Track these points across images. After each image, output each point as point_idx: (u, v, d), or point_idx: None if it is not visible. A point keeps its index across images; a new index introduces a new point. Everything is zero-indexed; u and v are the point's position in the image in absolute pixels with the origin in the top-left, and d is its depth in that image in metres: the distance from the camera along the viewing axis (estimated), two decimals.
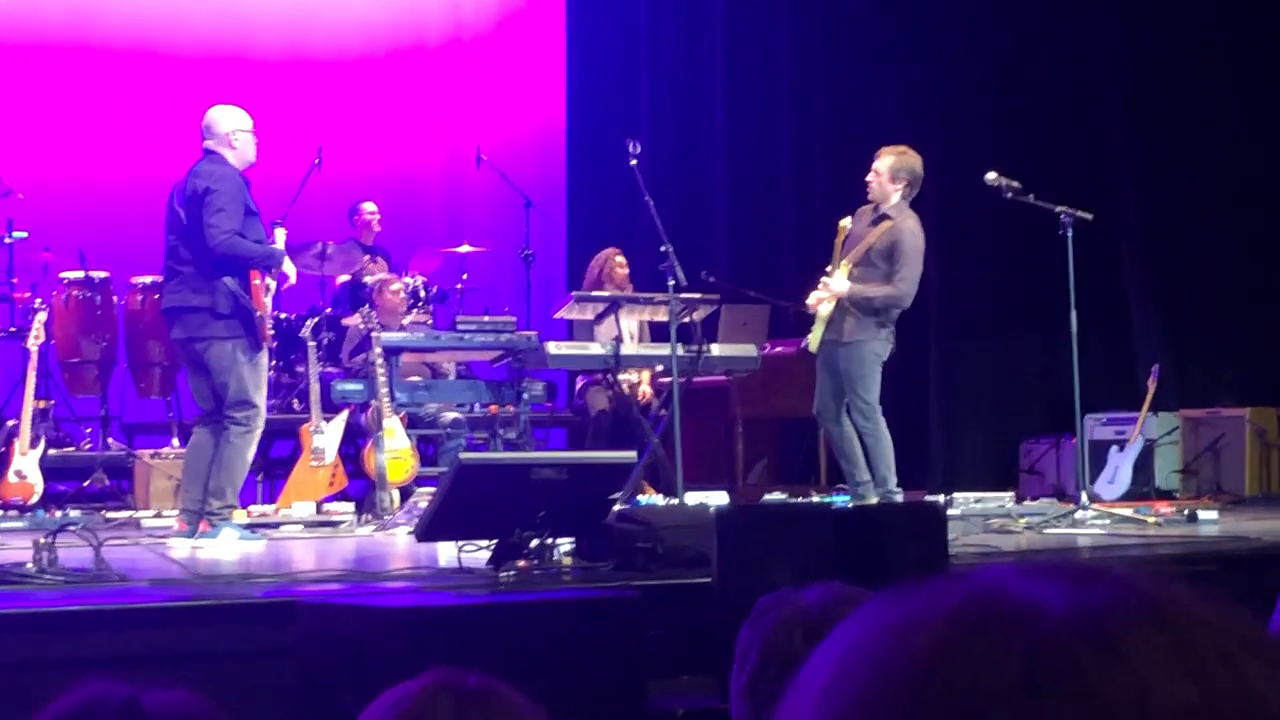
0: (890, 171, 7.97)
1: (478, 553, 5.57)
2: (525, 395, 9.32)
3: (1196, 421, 10.74)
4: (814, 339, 8.07)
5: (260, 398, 7.43)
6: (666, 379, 8.42)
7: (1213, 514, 8.36)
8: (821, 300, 8.03)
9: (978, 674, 0.69)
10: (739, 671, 2.19)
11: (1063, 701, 0.68)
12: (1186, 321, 11.28)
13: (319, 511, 8.50)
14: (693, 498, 7.83)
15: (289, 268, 7.69)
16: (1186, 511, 8.37)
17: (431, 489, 7.39)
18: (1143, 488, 10.33)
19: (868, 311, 7.93)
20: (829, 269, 8.05)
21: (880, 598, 0.76)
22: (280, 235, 7.79)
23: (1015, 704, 0.69)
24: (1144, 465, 10.48)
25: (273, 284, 7.50)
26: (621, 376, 9.16)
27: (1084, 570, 0.74)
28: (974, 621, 0.71)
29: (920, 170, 8.03)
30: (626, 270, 10.16)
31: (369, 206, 11.17)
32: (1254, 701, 0.70)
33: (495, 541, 5.45)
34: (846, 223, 8.14)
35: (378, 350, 8.88)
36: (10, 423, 8.86)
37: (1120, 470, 10.43)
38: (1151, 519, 8.04)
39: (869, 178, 8.03)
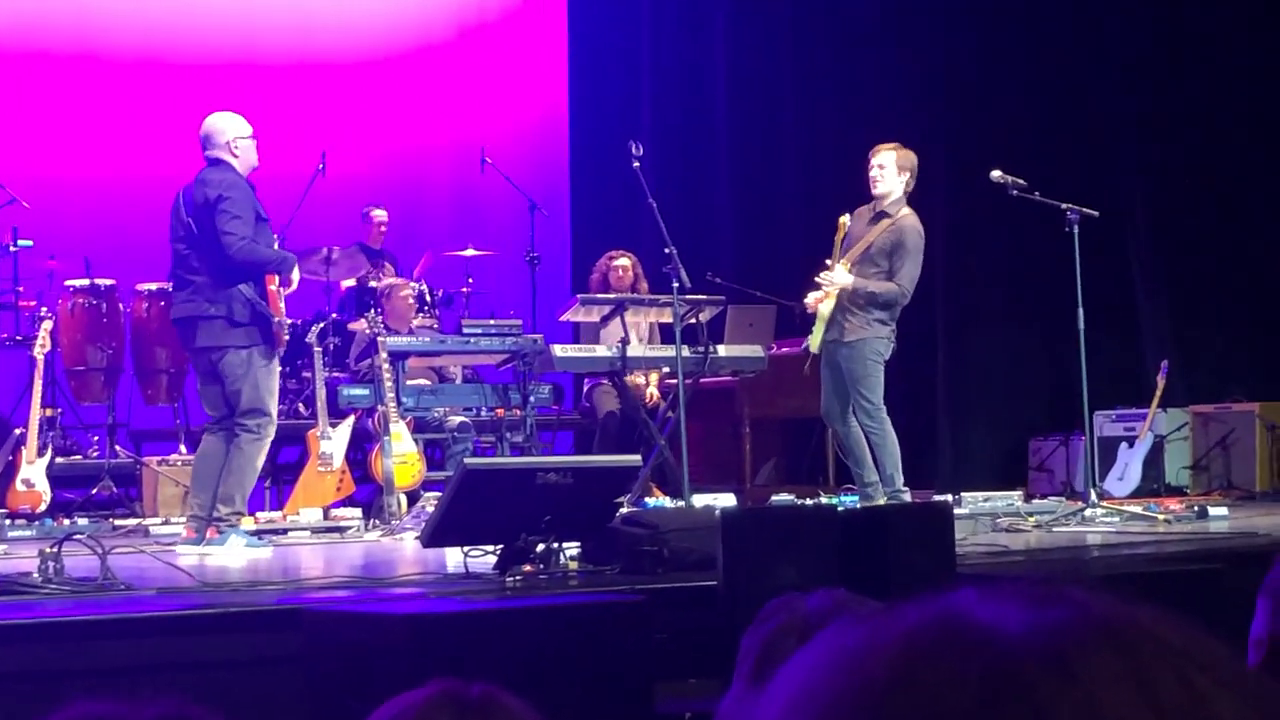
0: (896, 166, 7.99)
1: (484, 558, 5.56)
2: (532, 398, 9.32)
3: (1206, 417, 10.71)
4: (815, 339, 8.07)
5: (273, 406, 7.42)
6: (673, 380, 8.41)
7: (1223, 510, 8.34)
8: (820, 300, 8.02)
9: (933, 698, 0.69)
10: (737, 676, 2.19)
11: None
12: (1195, 316, 11.25)
13: (326, 517, 8.49)
14: (701, 499, 7.82)
15: (294, 273, 7.69)
16: (1196, 508, 8.35)
17: (438, 493, 7.38)
18: (1153, 484, 10.31)
19: (868, 308, 7.93)
20: (828, 262, 8.05)
21: (840, 622, 0.75)
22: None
23: None
24: (1154, 462, 10.45)
25: (286, 289, 7.49)
26: (628, 379, 9.15)
27: (1042, 592, 0.74)
28: (930, 645, 0.71)
29: (917, 164, 8.06)
30: (632, 272, 10.15)
31: (380, 214, 11.18)
32: None
33: (501, 546, 5.44)
34: (846, 220, 8.14)
35: (384, 355, 8.88)
36: (17, 431, 8.85)
37: (1130, 467, 10.41)
38: (1161, 516, 8.02)
39: (873, 174, 8.03)
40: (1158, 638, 0.71)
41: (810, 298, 8.12)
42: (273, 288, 7.35)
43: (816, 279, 8.06)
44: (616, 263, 10.15)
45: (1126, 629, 0.71)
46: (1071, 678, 0.69)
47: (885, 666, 0.71)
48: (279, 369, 7.67)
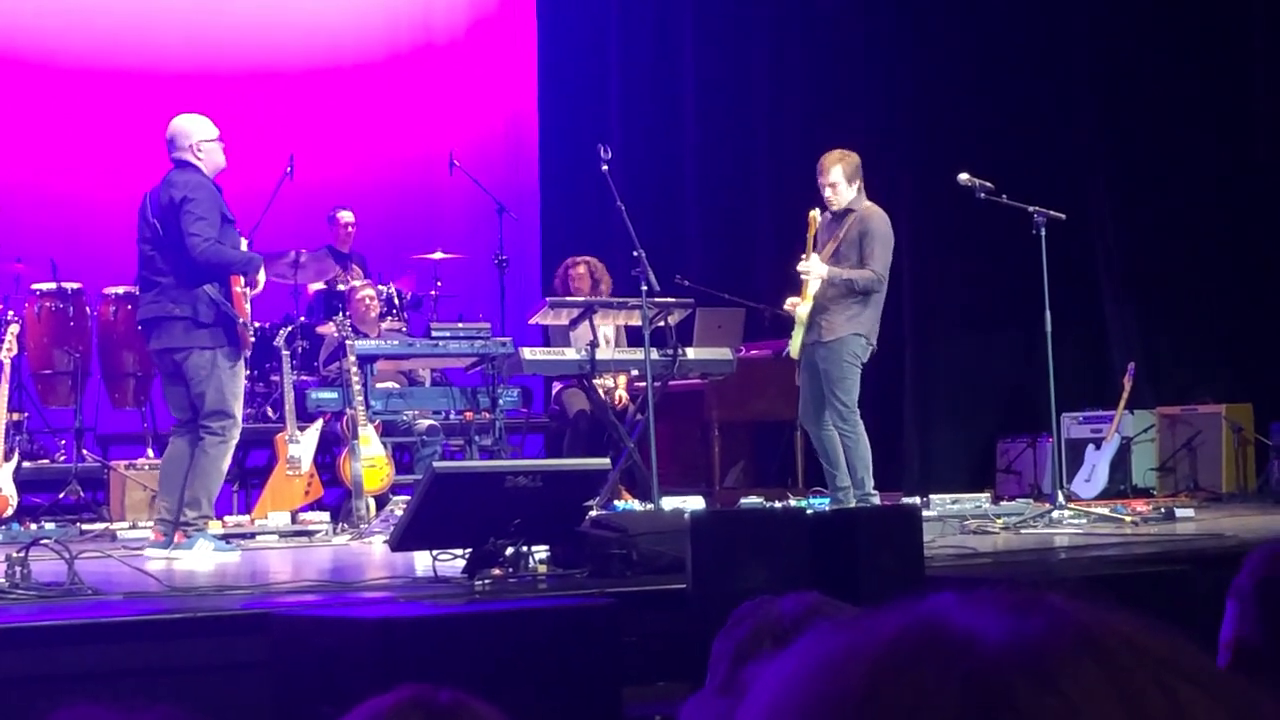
0: (845, 176, 8.02)
1: (453, 562, 5.56)
2: (500, 401, 9.31)
3: (1173, 419, 10.76)
4: (795, 344, 8.07)
5: (237, 408, 7.40)
6: (643, 383, 8.41)
7: (1189, 511, 8.38)
8: (797, 304, 8.02)
9: (912, 707, 0.69)
10: (711, 676, 2.19)
11: None
12: (1161, 319, 11.29)
13: (295, 521, 8.47)
14: (670, 502, 7.82)
15: (259, 275, 7.66)
16: (1163, 509, 8.39)
17: (407, 497, 7.36)
18: (1119, 486, 10.35)
19: (848, 305, 7.92)
20: (803, 256, 8.05)
21: (819, 629, 0.75)
22: (242, 245, 7.75)
23: None
24: (1120, 463, 10.49)
25: (252, 290, 7.48)
26: (597, 382, 9.15)
27: (1022, 599, 0.74)
28: (910, 653, 0.71)
29: (859, 161, 8.10)
30: (590, 278, 10.12)
31: (346, 216, 11.15)
32: None
33: (470, 550, 5.43)
34: (816, 214, 8.14)
35: (352, 358, 8.86)
36: None
37: (1097, 469, 10.45)
38: (1128, 517, 8.06)
39: (827, 193, 8.03)
40: (1138, 645, 0.71)
41: (788, 302, 8.12)
42: (238, 289, 7.34)
43: (796, 268, 8.05)
44: (575, 270, 10.14)
45: (1106, 637, 0.71)
46: (1052, 687, 0.69)
47: (865, 674, 0.71)
48: (244, 371, 7.65)
